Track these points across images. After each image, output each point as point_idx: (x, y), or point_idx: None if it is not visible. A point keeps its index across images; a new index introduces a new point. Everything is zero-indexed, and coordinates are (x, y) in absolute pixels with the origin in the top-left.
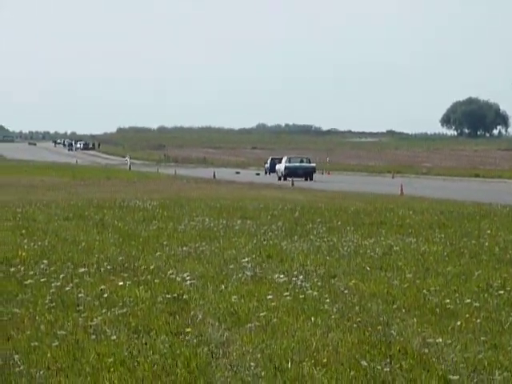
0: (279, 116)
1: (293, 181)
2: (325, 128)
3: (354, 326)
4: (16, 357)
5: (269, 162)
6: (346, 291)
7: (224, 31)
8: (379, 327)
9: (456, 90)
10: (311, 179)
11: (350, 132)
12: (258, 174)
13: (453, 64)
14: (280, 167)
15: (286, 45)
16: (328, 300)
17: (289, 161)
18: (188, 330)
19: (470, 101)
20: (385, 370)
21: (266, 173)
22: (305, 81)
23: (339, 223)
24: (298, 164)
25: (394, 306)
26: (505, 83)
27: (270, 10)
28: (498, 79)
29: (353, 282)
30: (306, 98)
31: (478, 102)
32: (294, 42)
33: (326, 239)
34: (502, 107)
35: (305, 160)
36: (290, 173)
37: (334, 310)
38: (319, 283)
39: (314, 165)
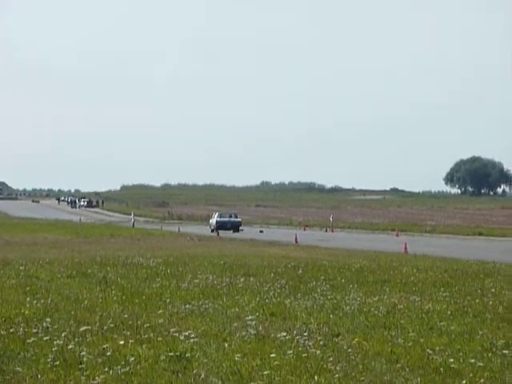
0: (283, 174)
1: (218, 232)
2: (328, 185)
3: None
4: None
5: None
6: (349, 350)
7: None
8: None
9: (459, 147)
10: (237, 231)
11: (353, 190)
12: (261, 231)
13: (456, 122)
14: (212, 221)
15: (286, 102)
16: (331, 359)
17: (219, 216)
18: None
19: (474, 159)
20: None
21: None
22: (307, 139)
23: (343, 281)
24: (226, 219)
25: (398, 365)
26: (508, 141)
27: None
28: (502, 137)
29: (356, 340)
30: (309, 156)
31: (482, 160)
32: (293, 101)
33: (329, 297)
34: (506, 166)
35: (233, 215)
36: (220, 226)
37: (338, 368)
38: (322, 342)
39: (239, 219)
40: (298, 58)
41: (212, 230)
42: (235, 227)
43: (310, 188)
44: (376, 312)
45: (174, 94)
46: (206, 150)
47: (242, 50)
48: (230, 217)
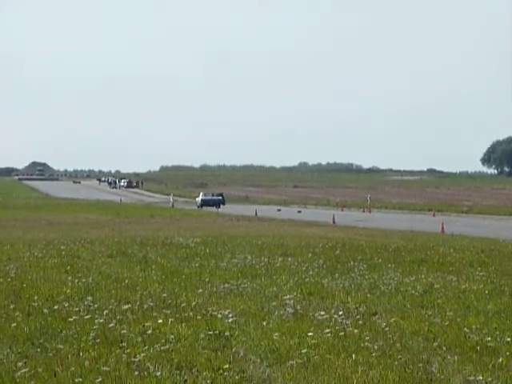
0: (321, 154)
1: (202, 207)
2: (366, 166)
3: (395, 363)
4: None
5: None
6: (386, 329)
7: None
8: (420, 365)
9: (496, 128)
10: (219, 207)
11: (390, 170)
12: (299, 212)
13: (493, 103)
14: (198, 199)
15: (325, 83)
16: (369, 337)
17: (204, 195)
18: (230, 366)
19: (510, 140)
20: None
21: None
22: (346, 119)
23: (380, 261)
24: (209, 197)
25: (435, 344)
26: None
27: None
28: None
29: (393, 319)
30: (348, 137)
31: None
32: (340, 80)
33: (366, 277)
34: None
35: (215, 194)
36: (204, 203)
37: (375, 347)
38: (360, 321)
39: (220, 198)
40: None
41: (198, 207)
42: (217, 204)
43: (348, 169)
44: (413, 291)
45: (210, 76)
46: (243, 130)
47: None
48: (212, 195)
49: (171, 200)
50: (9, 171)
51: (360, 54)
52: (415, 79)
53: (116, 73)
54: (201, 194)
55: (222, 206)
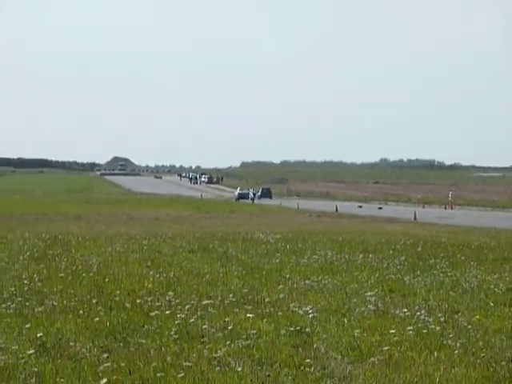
0: (402, 151)
1: (239, 200)
2: (448, 163)
3: (478, 361)
4: None
5: (260, 189)
6: (469, 326)
7: (350, 69)
8: (503, 363)
9: None
10: (253, 201)
11: (473, 167)
12: (380, 208)
13: None
14: (235, 193)
15: (412, 82)
16: (451, 335)
17: (240, 189)
18: (311, 363)
19: None
20: None
21: (258, 197)
22: (428, 116)
23: (462, 258)
24: (245, 191)
25: None
26: None
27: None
28: None
29: (476, 317)
30: (430, 133)
31: None
32: (420, 79)
33: (448, 274)
34: None
35: (250, 189)
36: (240, 197)
37: (458, 345)
38: (442, 318)
39: (252, 192)
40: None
41: (236, 199)
42: (252, 198)
43: (430, 165)
44: (496, 289)
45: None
46: (318, 125)
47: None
48: (248, 190)
49: (251, 195)
50: (91, 166)
51: None
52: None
53: (187, 66)
54: (238, 188)
55: (269, 199)
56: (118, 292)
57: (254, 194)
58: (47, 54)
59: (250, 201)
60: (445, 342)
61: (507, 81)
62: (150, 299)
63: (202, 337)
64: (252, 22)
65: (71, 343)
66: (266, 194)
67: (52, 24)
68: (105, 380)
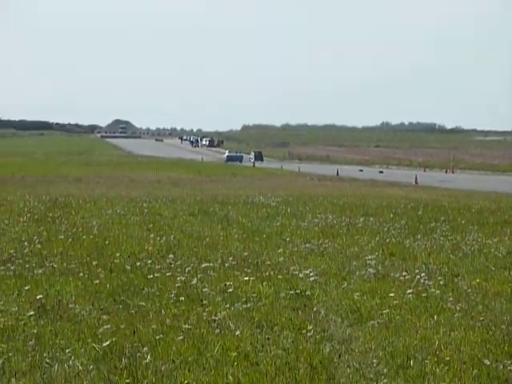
0: (403, 114)
1: (228, 162)
2: (449, 126)
3: (478, 324)
4: (143, 349)
5: (253, 153)
6: (469, 290)
7: (354, 31)
8: (503, 326)
9: None
10: (241, 162)
11: (474, 131)
12: (381, 172)
13: None
14: (224, 156)
15: (411, 44)
16: (451, 299)
17: (229, 152)
18: (311, 326)
19: None
20: (508, 368)
21: (252, 160)
22: (429, 79)
23: (463, 222)
24: (233, 154)
25: None
26: None
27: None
28: None
29: (476, 280)
30: (431, 97)
31: None
32: (417, 41)
33: (449, 238)
34: None
35: (238, 152)
36: (229, 159)
37: (457, 308)
38: (442, 282)
39: (242, 155)
40: None
41: (225, 161)
42: (239, 159)
43: (431, 129)
44: (496, 253)
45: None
46: (320, 88)
47: None
48: (236, 152)
49: (252, 159)
50: (92, 129)
51: None
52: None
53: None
54: (227, 151)
55: (259, 162)
56: (118, 254)
57: (261, 157)
58: (52, 12)
59: (250, 164)
60: (444, 306)
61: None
62: (150, 262)
63: (202, 300)
64: None
65: (71, 305)
66: (258, 157)
67: None
68: (106, 343)
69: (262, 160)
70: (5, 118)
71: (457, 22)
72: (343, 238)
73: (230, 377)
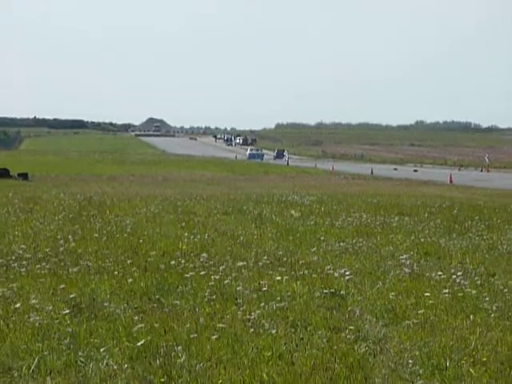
0: (438, 113)
1: (250, 159)
2: (484, 125)
3: None
4: (177, 348)
5: (276, 151)
6: (505, 290)
7: (385, 28)
8: None
9: None
10: (262, 159)
11: (510, 129)
12: (415, 171)
13: None
14: (246, 153)
15: (446, 43)
16: (487, 298)
17: (250, 150)
18: (346, 325)
19: None
20: None
21: (274, 158)
22: (464, 77)
23: (499, 221)
24: (255, 152)
25: None
26: None
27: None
28: None
29: None
30: (466, 95)
31: None
32: (453, 41)
33: (485, 237)
34: None
35: (259, 149)
36: (251, 156)
37: (494, 308)
38: (478, 281)
39: (263, 152)
40: None
41: (248, 158)
42: (261, 157)
43: (466, 127)
44: None
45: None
46: (354, 87)
47: None
48: (257, 150)
49: (286, 157)
50: (126, 127)
51: None
52: None
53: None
54: (248, 149)
55: (280, 159)
56: (152, 253)
57: (282, 155)
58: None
59: (284, 162)
60: (480, 306)
61: None
62: (184, 260)
63: (236, 298)
64: None
65: (105, 304)
66: (279, 155)
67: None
68: (140, 341)
69: (282, 158)
70: (40, 116)
71: (496, 19)
72: (378, 237)
73: (265, 376)
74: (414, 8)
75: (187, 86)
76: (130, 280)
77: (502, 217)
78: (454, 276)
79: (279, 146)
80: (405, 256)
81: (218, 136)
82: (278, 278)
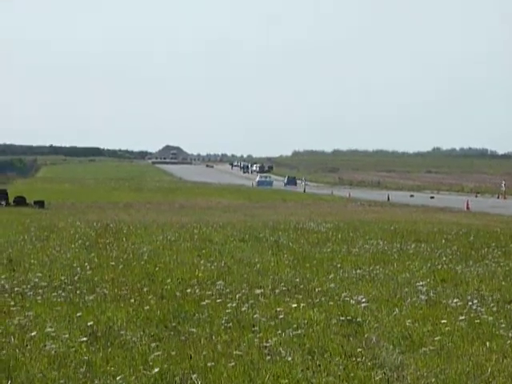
0: (454, 140)
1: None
2: (501, 152)
3: None
4: (193, 376)
5: (286, 177)
6: None
7: (403, 53)
8: None
9: None
10: (271, 186)
11: None
12: (432, 198)
13: None
14: (256, 180)
15: (461, 68)
16: (504, 325)
17: (259, 177)
18: (362, 352)
19: None
20: None
21: (284, 185)
22: (480, 104)
23: None
24: (263, 179)
25: None
26: None
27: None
28: None
29: None
30: (482, 122)
31: None
32: (469, 67)
33: (501, 264)
34: None
35: (268, 177)
36: (260, 184)
37: (510, 335)
38: (495, 308)
39: (272, 179)
40: None
41: (257, 185)
42: (270, 184)
43: (482, 154)
44: None
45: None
46: (371, 114)
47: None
48: (266, 178)
49: (303, 184)
50: (143, 155)
51: None
52: None
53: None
54: (258, 175)
55: (294, 186)
56: (168, 280)
57: (294, 182)
58: (98, 42)
59: (300, 189)
60: (497, 332)
61: None
62: (200, 288)
63: (253, 326)
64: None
65: (122, 332)
66: (292, 181)
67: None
68: (156, 369)
69: (295, 184)
70: (56, 144)
71: (505, 46)
72: (394, 264)
73: None
74: (427, 33)
75: (203, 113)
76: (146, 308)
77: None
78: (471, 303)
79: (295, 173)
80: (421, 283)
81: (235, 163)
82: (295, 305)
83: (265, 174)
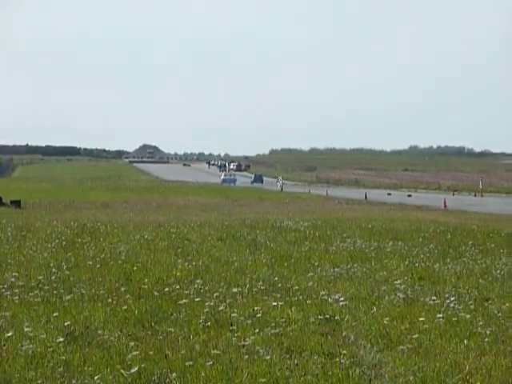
0: (431, 138)
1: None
2: (477, 150)
3: (508, 349)
4: (172, 375)
5: (253, 175)
6: (499, 314)
7: (378, 55)
8: None
9: None
10: (234, 184)
11: (503, 154)
12: (409, 196)
13: None
14: (221, 178)
15: (437, 69)
16: (481, 323)
17: (224, 175)
18: (340, 351)
19: None
20: None
21: (251, 182)
22: (457, 102)
23: (492, 246)
24: (227, 177)
25: None
26: None
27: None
28: None
29: (507, 305)
30: (459, 120)
31: None
32: (445, 66)
33: (478, 262)
34: None
35: (232, 175)
36: (224, 181)
37: (488, 332)
38: (472, 306)
39: (235, 177)
40: None
41: (221, 183)
42: (233, 182)
43: (459, 152)
44: None
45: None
46: (348, 112)
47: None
48: (230, 176)
49: (280, 183)
50: (119, 154)
51: None
52: None
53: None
54: (222, 174)
55: (261, 183)
56: (146, 280)
57: (261, 180)
58: (80, 42)
59: (278, 188)
60: (475, 330)
61: None
62: (178, 287)
63: (231, 325)
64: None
65: (99, 331)
66: (258, 179)
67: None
68: (135, 369)
69: (261, 182)
70: (32, 143)
71: (482, 47)
72: (372, 262)
73: None
74: (408, 34)
75: (180, 112)
76: (124, 307)
77: (495, 241)
78: (448, 301)
79: (273, 172)
80: (399, 281)
81: (212, 162)
82: (273, 303)
83: (229, 173)
